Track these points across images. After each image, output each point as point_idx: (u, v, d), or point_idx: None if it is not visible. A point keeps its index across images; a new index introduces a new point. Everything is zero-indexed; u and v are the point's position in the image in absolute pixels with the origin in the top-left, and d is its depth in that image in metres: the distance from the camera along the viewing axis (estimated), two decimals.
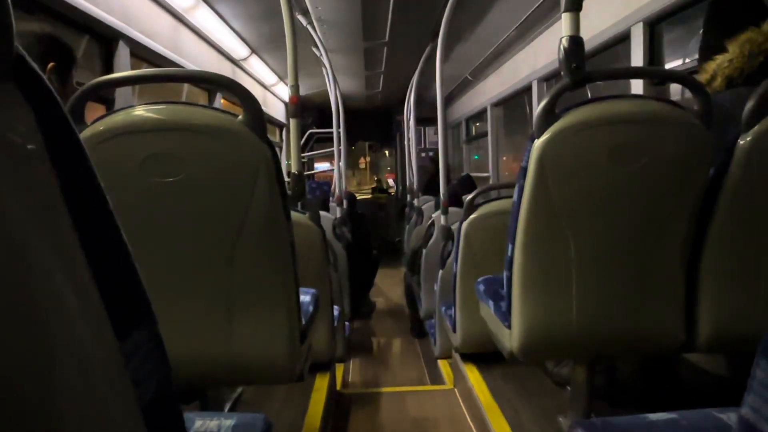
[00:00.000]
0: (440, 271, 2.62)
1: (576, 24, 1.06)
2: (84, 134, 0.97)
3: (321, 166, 8.06)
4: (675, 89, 2.16)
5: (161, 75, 1.35)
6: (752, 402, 0.51)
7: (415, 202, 4.70)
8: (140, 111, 0.99)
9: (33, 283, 0.31)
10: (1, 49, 0.30)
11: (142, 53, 2.37)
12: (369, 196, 8.22)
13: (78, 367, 0.34)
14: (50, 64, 1.16)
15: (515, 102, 4.38)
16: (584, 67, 1.06)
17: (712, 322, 1.13)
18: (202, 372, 1.11)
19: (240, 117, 1.00)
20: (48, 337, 0.32)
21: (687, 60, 2.12)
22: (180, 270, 1.05)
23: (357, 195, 6.81)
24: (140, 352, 0.41)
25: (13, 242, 0.30)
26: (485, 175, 5.14)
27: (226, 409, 1.64)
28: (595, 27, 2.41)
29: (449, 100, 6.34)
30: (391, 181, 8.87)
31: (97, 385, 0.36)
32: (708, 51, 1.28)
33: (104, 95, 2.11)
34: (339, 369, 2.71)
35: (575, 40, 1.06)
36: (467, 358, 2.22)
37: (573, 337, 1.16)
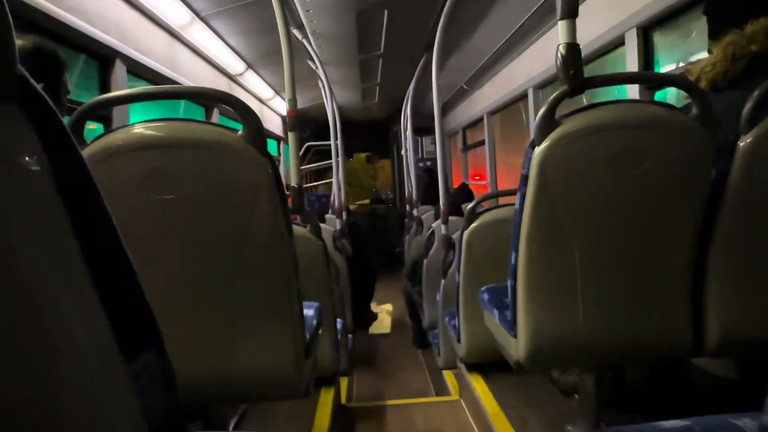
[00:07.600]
0: (442, 281, 2.61)
1: (572, 31, 1.06)
2: (84, 153, 0.96)
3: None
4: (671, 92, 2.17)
5: (159, 93, 1.35)
6: None
7: (415, 211, 4.69)
8: (139, 128, 0.99)
9: (38, 305, 0.30)
10: (3, 70, 0.29)
11: (138, 71, 2.38)
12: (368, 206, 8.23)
13: (85, 390, 0.33)
14: (41, 84, 1.17)
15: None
16: (582, 74, 1.07)
17: (720, 326, 1.12)
18: (206, 389, 1.10)
19: (240, 132, 1.00)
20: (54, 361, 0.31)
21: (681, 64, 2.13)
22: (183, 287, 1.04)
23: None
24: (148, 374, 0.40)
25: (18, 264, 0.29)
26: (483, 183, 5.14)
27: (231, 427, 1.62)
28: (590, 33, 2.42)
29: (445, 109, 6.36)
30: (389, 192, 8.87)
31: (105, 409, 0.35)
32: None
33: (101, 114, 2.11)
34: (343, 382, 2.69)
35: (572, 47, 1.06)
36: (472, 367, 2.20)
37: (580, 345, 1.15)
